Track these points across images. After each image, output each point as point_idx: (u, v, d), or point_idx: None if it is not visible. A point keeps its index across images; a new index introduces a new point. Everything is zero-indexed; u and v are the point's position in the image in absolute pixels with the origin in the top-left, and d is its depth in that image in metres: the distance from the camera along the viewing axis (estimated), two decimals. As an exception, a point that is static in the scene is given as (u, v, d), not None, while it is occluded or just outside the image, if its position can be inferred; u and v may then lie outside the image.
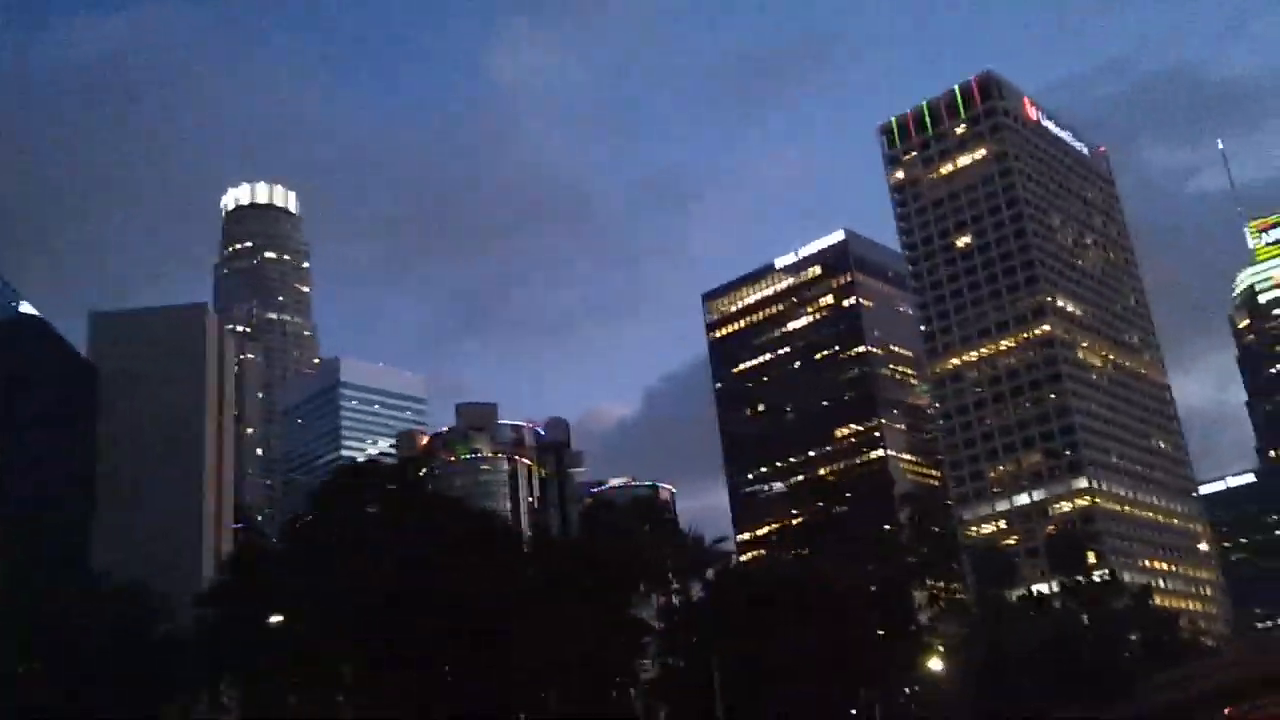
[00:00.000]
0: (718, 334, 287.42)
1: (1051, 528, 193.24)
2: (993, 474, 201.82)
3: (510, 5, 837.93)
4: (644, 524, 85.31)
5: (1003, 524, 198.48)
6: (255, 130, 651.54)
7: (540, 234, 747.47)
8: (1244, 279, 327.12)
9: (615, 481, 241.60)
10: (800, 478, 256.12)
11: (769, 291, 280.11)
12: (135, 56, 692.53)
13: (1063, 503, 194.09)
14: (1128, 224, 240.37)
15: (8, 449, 71.62)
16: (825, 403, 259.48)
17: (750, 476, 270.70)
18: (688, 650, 73.30)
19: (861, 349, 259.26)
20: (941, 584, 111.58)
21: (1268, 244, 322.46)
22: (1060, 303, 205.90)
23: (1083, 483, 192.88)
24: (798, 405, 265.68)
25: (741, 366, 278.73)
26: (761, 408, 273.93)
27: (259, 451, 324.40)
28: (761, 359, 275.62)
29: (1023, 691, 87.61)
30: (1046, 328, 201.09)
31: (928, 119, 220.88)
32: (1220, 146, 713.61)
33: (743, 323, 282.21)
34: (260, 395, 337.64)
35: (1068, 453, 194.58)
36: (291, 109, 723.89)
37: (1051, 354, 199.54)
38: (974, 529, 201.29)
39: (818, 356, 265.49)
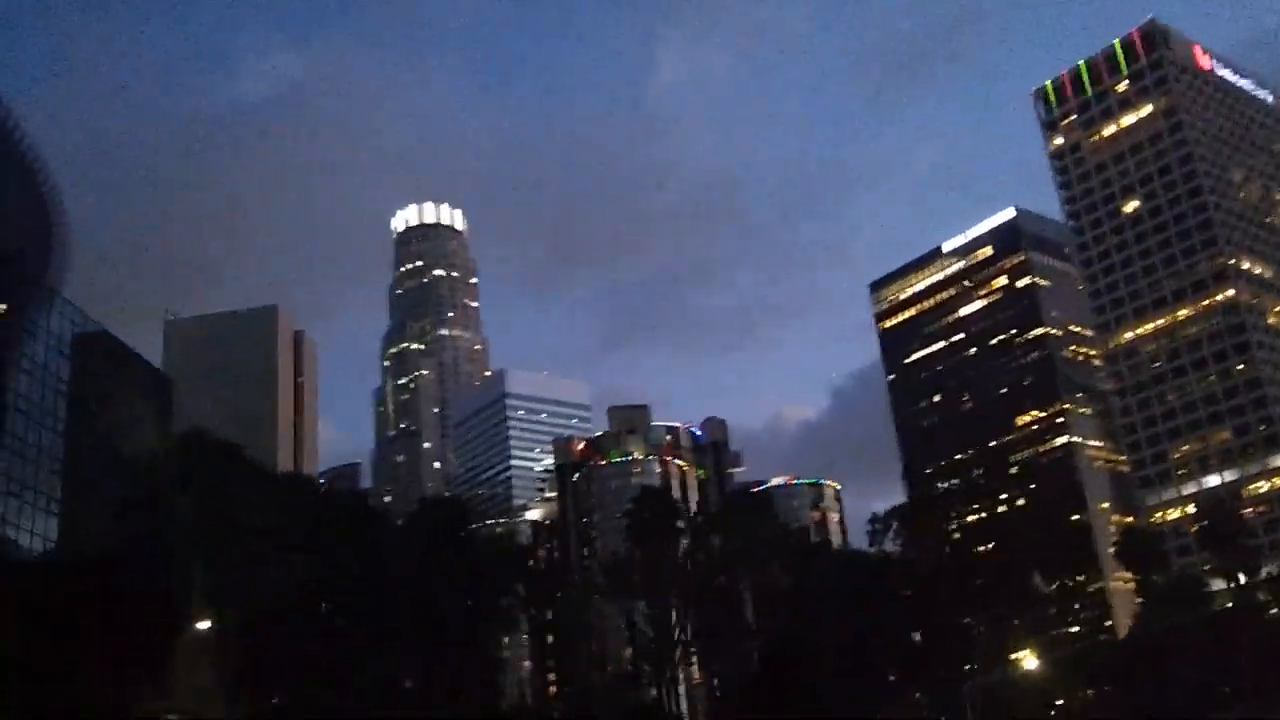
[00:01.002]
0: (887, 324, 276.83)
1: (1248, 511, 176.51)
2: (1176, 455, 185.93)
3: (667, 15, 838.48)
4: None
5: (1191, 508, 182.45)
6: (421, 151, 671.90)
7: (700, 237, 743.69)
8: None
9: (776, 480, 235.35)
10: (981, 470, 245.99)
11: (939, 276, 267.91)
12: (311, 91, 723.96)
13: (1259, 482, 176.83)
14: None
15: (86, 465, 72.34)
16: (1004, 389, 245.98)
17: (928, 470, 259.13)
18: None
19: (1039, 331, 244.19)
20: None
21: None
22: (1245, 265, 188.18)
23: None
24: (975, 393, 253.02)
25: (914, 357, 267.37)
26: (937, 398, 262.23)
27: (435, 465, 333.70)
28: (934, 347, 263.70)
29: (1168, 692, 78.85)
30: (1230, 293, 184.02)
31: (1086, 79, 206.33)
32: None
33: (913, 310, 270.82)
34: (435, 410, 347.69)
35: (1262, 428, 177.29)
36: (454, 128, 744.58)
37: (1237, 321, 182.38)
38: (1159, 514, 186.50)
39: (994, 341, 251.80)
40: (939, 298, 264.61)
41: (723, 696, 72.29)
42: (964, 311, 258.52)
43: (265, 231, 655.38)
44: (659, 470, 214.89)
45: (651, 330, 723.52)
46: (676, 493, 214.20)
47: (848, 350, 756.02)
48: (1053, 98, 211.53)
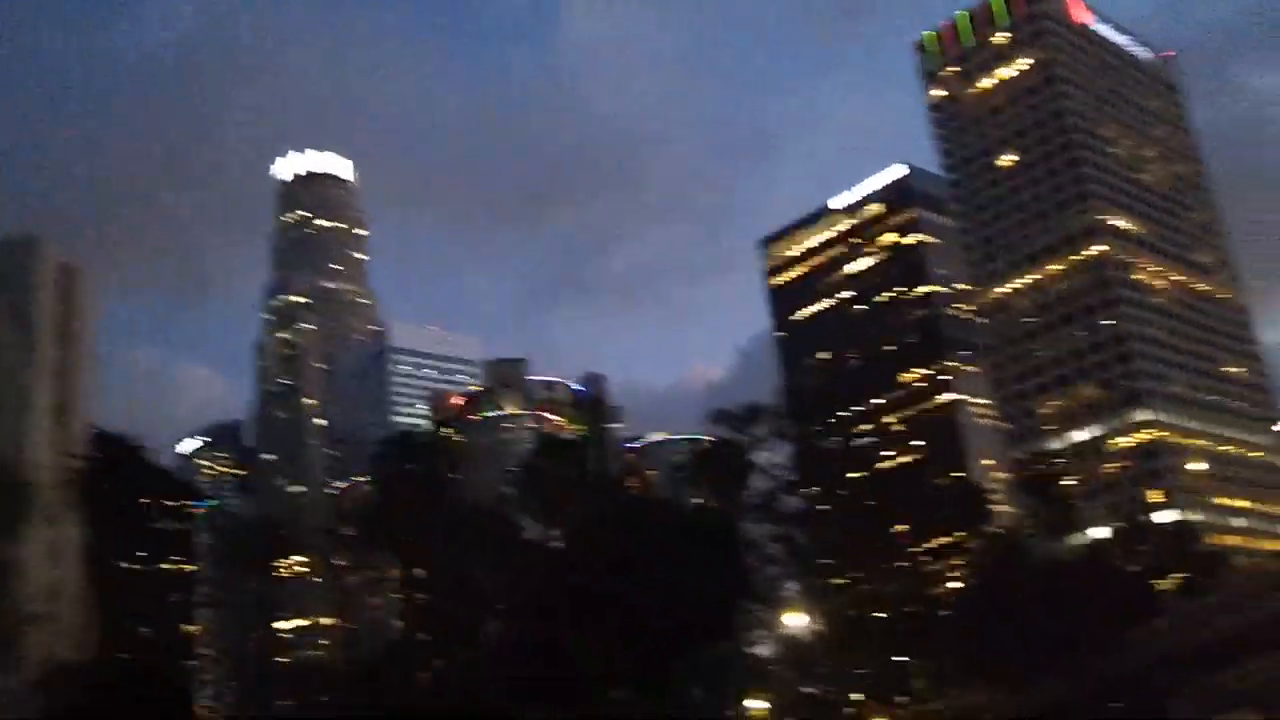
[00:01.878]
0: (777, 281, 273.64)
1: (1110, 466, 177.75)
2: (1045, 410, 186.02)
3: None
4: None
5: (1059, 463, 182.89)
6: (315, 102, 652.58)
7: (615, 195, 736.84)
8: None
9: (654, 437, 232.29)
10: (868, 427, 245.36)
11: (828, 234, 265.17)
12: (204, 38, 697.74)
13: (1122, 437, 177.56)
14: (1203, 142, 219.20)
15: None
16: (890, 347, 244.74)
17: (816, 428, 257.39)
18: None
19: (926, 288, 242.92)
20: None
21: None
22: (1115, 221, 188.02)
23: (1143, 415, 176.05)
24: (862, 351, 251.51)
25: (802, 314, 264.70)
26: (825, 356, 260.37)
27: (317, 421, 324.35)
28: (822, 305, 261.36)
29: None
30: (1100, 248, 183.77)
31: (968, 30, 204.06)
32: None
33: (802, 268, 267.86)
34: (319, 366, 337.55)
35: (1125, 383, 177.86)
36: (361, 81, 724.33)
37: (1105, 276, 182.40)
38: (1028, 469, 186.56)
39: (881, 299, 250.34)
40: (828, 255, 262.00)
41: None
42: (852, 269, 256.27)
43: (156, 176, 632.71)
44: (534, 426, 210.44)
45: (566, 290, 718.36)
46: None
47: (763, 310, 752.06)
48: (935, 49, 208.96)
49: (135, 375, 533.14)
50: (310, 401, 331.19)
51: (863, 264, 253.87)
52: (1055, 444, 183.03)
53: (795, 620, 56.20)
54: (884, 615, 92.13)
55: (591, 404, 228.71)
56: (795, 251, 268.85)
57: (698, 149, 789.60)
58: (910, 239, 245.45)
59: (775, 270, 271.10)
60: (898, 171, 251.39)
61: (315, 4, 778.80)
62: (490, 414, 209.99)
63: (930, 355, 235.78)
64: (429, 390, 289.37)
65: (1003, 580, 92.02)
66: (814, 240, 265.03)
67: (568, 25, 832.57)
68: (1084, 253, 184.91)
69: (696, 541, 62.42)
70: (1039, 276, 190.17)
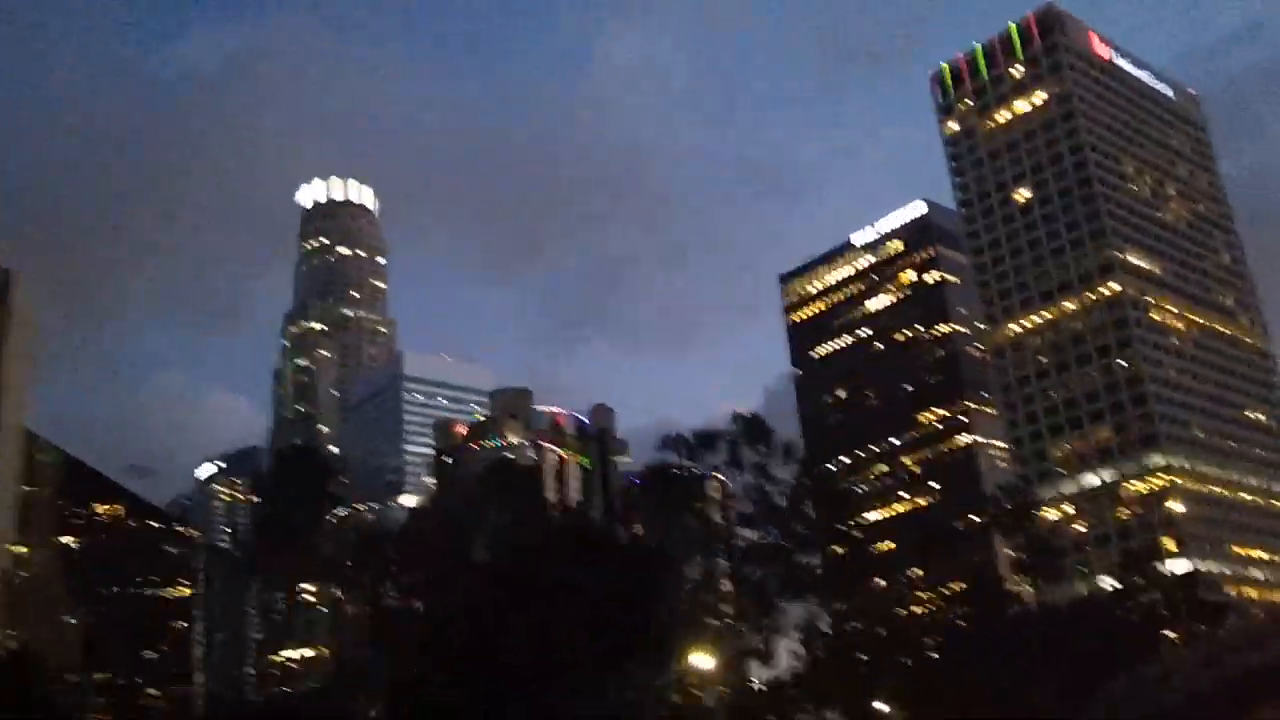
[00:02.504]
0: (795, 318, 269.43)
1: (1124, 511, 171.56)
2: (1058, 452, 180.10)
3: (615, 3, 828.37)
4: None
5: (1070, 508, 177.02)
6: (342, 129, 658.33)
7: (640, 227, 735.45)
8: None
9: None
10: (884, 468, 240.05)
11: (848, 271, 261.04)
12: (255, 65, 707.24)
13: (1135, 482, 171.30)
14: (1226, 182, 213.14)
15: None
16: (909, 386, 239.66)
17: (831, 468, 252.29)
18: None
19: (946, 327, 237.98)
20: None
21: None
22: (1132, 259, 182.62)
23: (1158, 459, 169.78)
24: (879, 390, 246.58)
25: (820, 351, 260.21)
26: (842, 394, 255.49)
27: (331, 450, 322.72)
28: (841, 342, 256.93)
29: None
30: (1115, 286, 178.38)
31: (983, 63, 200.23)
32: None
33: (821, 305, 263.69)
34: (335, 393, 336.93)
35: (1140, 426, 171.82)
36: (394, 111, 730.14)
37: (1121, 315, 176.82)
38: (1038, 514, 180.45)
39: (899, 337, 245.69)
40: (847, 292, 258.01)
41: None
42: (872, 306, 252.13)
43: (187, 201, 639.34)
44: (534, 456, 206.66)
45: (590, 324, 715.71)
46: (551, 479, 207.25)
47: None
48: (949, 82, 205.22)
49: (164, 401, 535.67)
50: (325, 429, 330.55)
51: (882, 301, 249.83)
52: (1068, 488, 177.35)
53: (701, 661, 50.69)
54: (862, 656, 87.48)
55: (596, 436, 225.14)
56: (814, 288, 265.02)
57: (723, 183, 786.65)
58: (930, 277, 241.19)
59: (793, 307, 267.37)
60: (918, 209, 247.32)
61: (347, 32, 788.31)
62: (491, 443, 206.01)
63: (949, 395, 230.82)
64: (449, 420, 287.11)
65: (987, 627, 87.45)
66: (833, 277, 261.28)
67: (598, 58, 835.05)
68: (1100, 290, 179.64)
69: (626, 571, 58.55)
70: (1053, 315, 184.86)
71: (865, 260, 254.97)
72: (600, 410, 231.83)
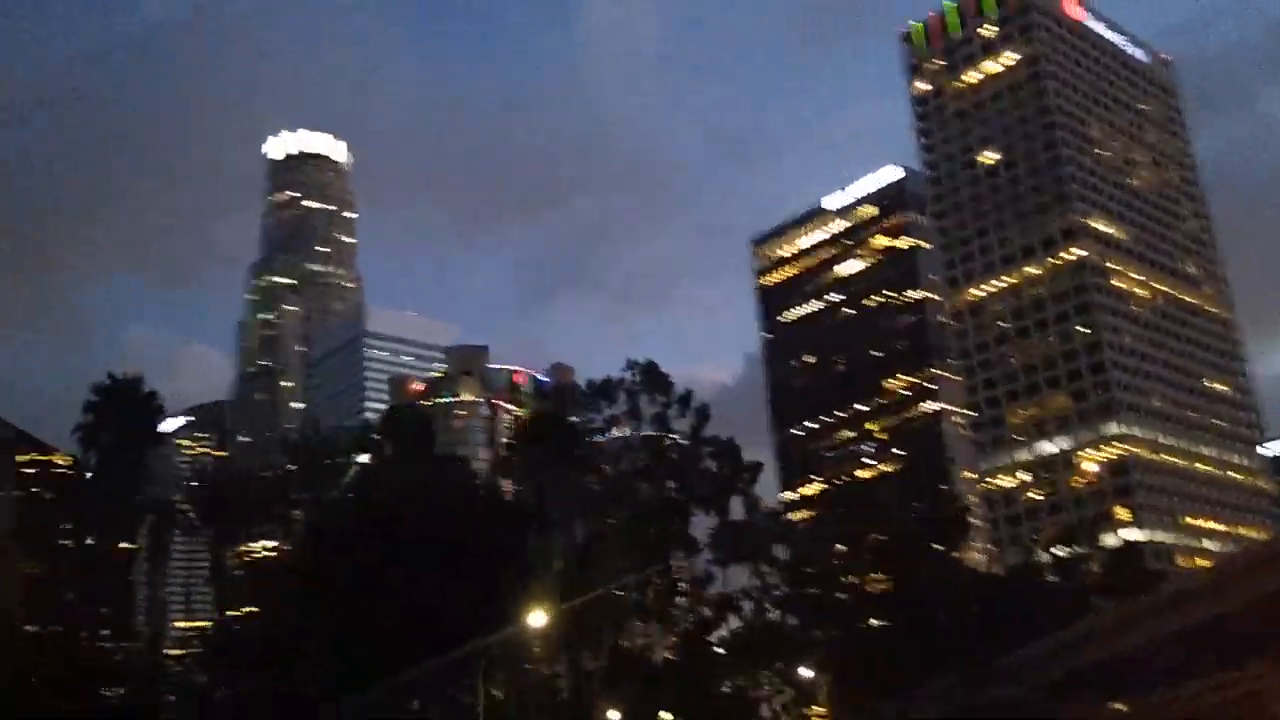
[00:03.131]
0: (766, 281, 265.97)
1: (1078, 479, 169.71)
2: (1014, 419, 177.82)
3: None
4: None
5: (1025, 475, 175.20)
6: (321, 85, 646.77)
7: (618, 192, 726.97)
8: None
9: (617, 432, 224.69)
10: (851, 434, 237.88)
11: (820, 235, 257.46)
12: (216, 13, 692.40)
13: (1090, 450, 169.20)
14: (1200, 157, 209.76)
15: None
16: (878, 353, 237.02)
17: (797, 433, 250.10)
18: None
19: (916, 294, 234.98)
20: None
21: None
22: (1097, 224, 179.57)
23: (1115, 428, 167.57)
24: (849, 356, 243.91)
25: (790, 316, 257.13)
26: (810, 359, 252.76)
27: (295, 405, 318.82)
28: (811, 307, 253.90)
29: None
30: (1078, 251, 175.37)
31: (955, 21, 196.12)
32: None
33: (792, 269, 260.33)
34: (299, 348, 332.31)
35: (1098, 394, 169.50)
36: (369, 70, 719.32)
37: (1082, 281, 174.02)
38: (993, 481, 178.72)
39: (870, 302, 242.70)
40: (819, 257, 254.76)
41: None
42: (842, 271, 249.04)
43: (156, 152, 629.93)
44: (486, 414, 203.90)
45: (565, 287, 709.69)
46: (501, 437, 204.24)
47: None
48: (921, 41, 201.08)
49: (134, 352, 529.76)
50: (288, 384, 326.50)
51: (853, 266, 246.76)
52: (1023, 455, 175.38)
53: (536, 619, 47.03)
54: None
55: (554, 394, 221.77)
56: (786, 252, 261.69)
57: (702, 147, 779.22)
58: (902, 242, 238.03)
59: (765, 270, 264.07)
60: (892, 174, 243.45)
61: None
62: (444, 400, 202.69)
63: (916, 362, 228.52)
64: (413, 377, 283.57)
65: (920, 595, 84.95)
66: (806, 241, 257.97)
67: (578, 23, 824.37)
68: (1063, 256, 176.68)
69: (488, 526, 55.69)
70: (1015, 279, 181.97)
71: (838, 225, 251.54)
72: (559, 369, 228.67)
